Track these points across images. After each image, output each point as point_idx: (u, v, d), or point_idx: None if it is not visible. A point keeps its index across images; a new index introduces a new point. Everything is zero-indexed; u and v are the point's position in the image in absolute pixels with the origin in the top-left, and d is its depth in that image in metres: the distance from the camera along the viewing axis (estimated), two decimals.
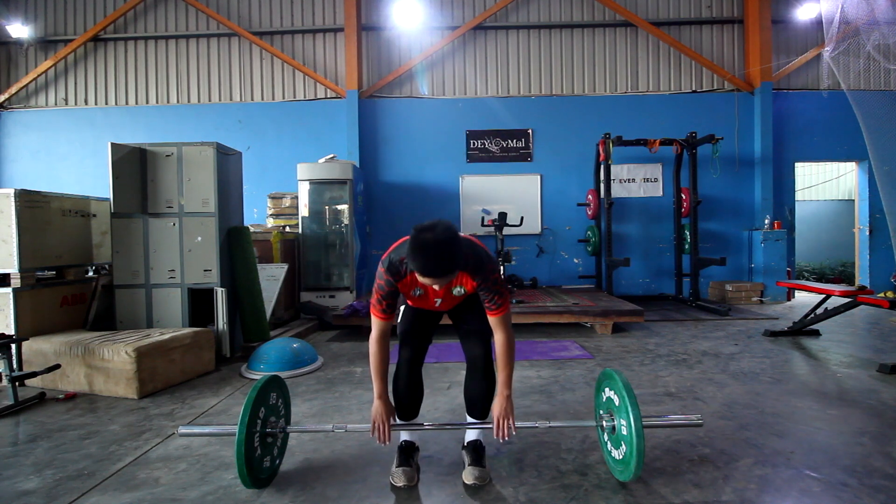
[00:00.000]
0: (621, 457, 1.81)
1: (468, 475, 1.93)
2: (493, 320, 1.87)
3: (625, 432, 1.74)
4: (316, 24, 7.48)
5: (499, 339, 1.87)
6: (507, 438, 1.84)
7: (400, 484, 1.90)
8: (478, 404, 2.02)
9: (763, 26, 7.12)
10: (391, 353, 1.95)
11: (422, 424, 2.03)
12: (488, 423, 1.90)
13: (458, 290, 1.88)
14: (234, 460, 1.73)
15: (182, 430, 1.97)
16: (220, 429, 1.98)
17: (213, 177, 3.88)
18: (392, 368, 1.97)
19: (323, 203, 6.15)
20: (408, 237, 1.70)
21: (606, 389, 1.92)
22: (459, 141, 7.30)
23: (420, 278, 1.67)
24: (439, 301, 1.93)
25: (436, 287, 1.75)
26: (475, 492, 1.89)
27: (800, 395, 2.94)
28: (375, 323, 1.88)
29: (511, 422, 1.84)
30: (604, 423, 1.87)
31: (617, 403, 1.81)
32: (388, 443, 1.90)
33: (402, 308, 2.08)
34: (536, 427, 1.94)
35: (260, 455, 1.85)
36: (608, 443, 1.92)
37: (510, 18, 7.46)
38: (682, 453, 2.19)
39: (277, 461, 2.01)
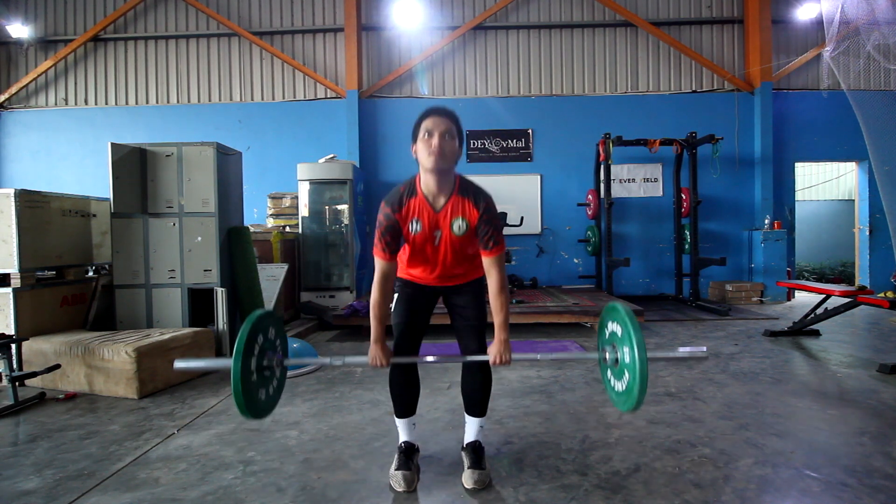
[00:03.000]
0: (624, 387, 1.75)
1: (468, 478, 1.92)
2: (488, 261, 1.86)
3: (627, 360, 1.68)
4: (316, 24, 7.49)
5: (493, 280, 1.86)
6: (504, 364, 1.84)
7: (400, 489, 1.89)
8: (476, 400, 2.01)
9: (763, 26, 7.12)
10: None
11: (423, 357, 1.94)
12: (485, 357, 1.87)
13: (458, 226, 1.83)
14: (232, 391, 1.68)
15: (178, 363, 1.91)
16: (216, 361, 1.94)
17: (213, 177, 3.88)
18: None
19: (323, 203, 6.15)
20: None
21: (609, 323, 1.86)
22: None
23: (425, 122, 1.77)
24: (438, 237, 1.85)
25: (436, 137, 1.75)
26: (475, 492, 1.89)
27: (800, 395, 2.94)
28: (377, 264, 1.87)
29: (507, 357, 1.83)
30: (606, 356, 1.81)
31: (620, 334, 1.76)
32: (386, 367, 1.89)
33: (393, 303, 2.03)
34: (537, 359, 1.92)
35: (257, 385, 1.79)
36: (611, 379, 1.85)
37: (510, 18, 7.46)
38: (682, 453, 2.19)
39: (275, 395, 1.93)
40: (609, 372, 1.84)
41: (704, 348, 1.88)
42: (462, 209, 1.83)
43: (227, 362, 1.70)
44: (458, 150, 1.83)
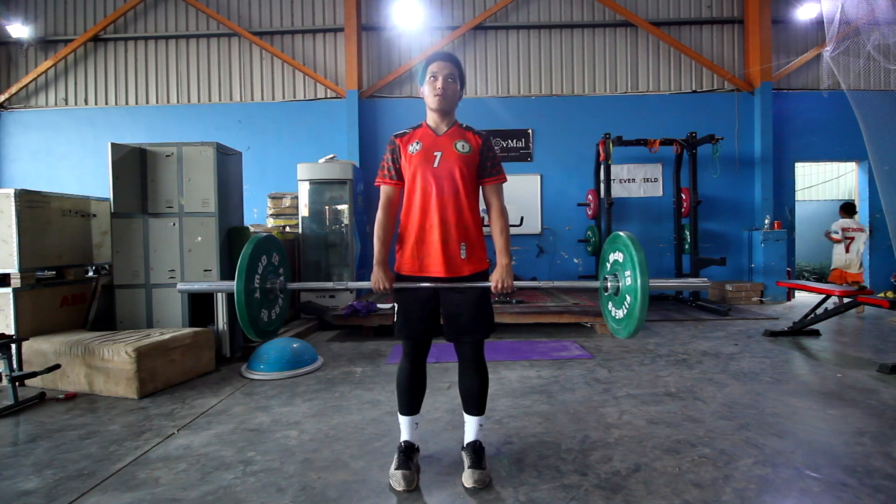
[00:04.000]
0: (624, 314, 1.76)
1: (468, 478, 1.92)
2: (489, 188, 1.98)
3: (629, 282, 1.70)
4: (316, 24, 7.49)
5: (494, 206, 1.98)
6: (507, 292, 1.89)
7: (400, 489, 1.89)
8: (474, 399, 2.00)
9: (763, 26, 7.12)
10: (394, 351, 1.93)
11: (420, 284, 1.90)
12: (487, 284, 1.90)
13: (461, 145, 1.93)
14: (236, 309, 1.72)
15: (180, 286, 1.96)
16: (219, 284, 1.99)
17: (213, 177, 3.88)
18: (391, 368, 1.95)
19: (323, 203, 6.15)
20: None
21: (612, 254, 1.87)
22: None
23: (431, 66, 1.90)
24: (438, 158, 1.90)
25: (440, 80, 1.87)
26: (475, 492, 1.89)
27: (800, 395, 2.94)
28: (382, 191, 2.00)
29: (509, 283, 1.88)
30: (608, 285, 1.85)
31: (622, 260, 1.77)
32: (389, 290, 1.92)
33: (395, 305, 1.99)
34: (538, 286, 1.96)
35: (260, 306, 1.82)
36: (611, 308, 1.86)
37: (510, 18, 7.46)
38: (682, 453, 2.19)
39: (279, 318, 1.98)
40: (610, 303, 1.87)
41: (705, 279, 1.97)
42: (464, 135, 1.97)
43: (230, 284, 1.77)
44: (460, 91, 1.98)
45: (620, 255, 1.78)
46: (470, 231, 1.92)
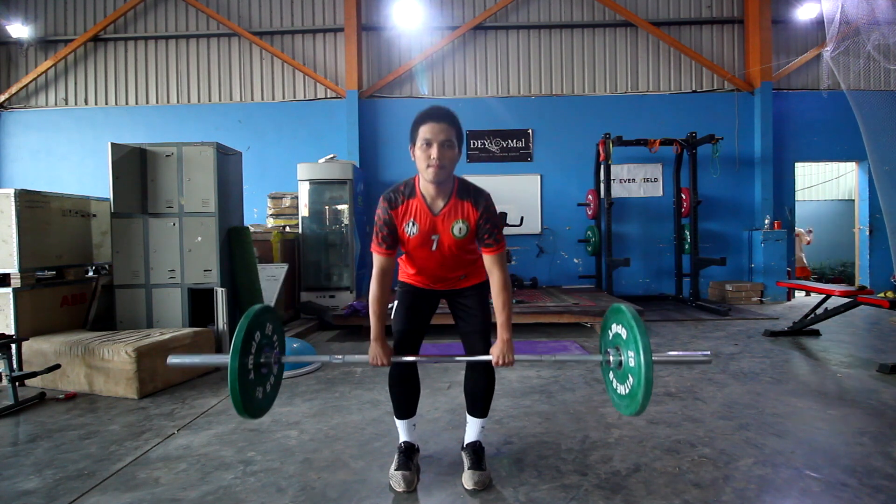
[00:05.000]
0: (627, 391, 1.71)
1: (468, 479, 1.92)
2: (489, 259, 1.86)
3: (632, 364, 1.65)
4: (316, 24, 7.49)
5: (495, 279, 1.86)
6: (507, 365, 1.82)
7: (400, 489, 1.89)
8: (479, 401, 2.00)
9: (763, 26, 7.12)
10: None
11: (420, 357, 1.91)
12: (488, 357, 1.84)
13: (458, 229, 1.81)
14: (228, 389, 1.63)
15: (171, 359, 1.84)
16: (213, 357, 1.87)
17: (213, 177, 3.88)
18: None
19: (323, 203, 6.15)
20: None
21: (614, 325, 1.81)
22: None
23: (423, 129, 1.73)
24: (435, 241, 1.84)
25: (435, 148, 1.70)
26: (475, 492, 1.89)
27: (800, 395, 2.94)
28: (375, 259, 1.86)
29: (510, 358, 1.79)
30: (610, 358, 1.77)
31: (625, 337, 1.72)
32: (387, 365, 1.87)
33: (393, 304, 2.02)
34: (541, 360, 1.90)
35: (254, 383, 1.73)
36: (613, 381, 1.82)
37: (510, 18, 7.46)
38: (682, 453, 2.19)
39: (273, 393, 1.90)
40: (612, 374, 1.81)
41: (707, 352, 1.86)
42: (462, 211, 1.82)
43: (223, 359, 1.65)
44: (458, 154, 1.81)
45: (623, 330, 1.72)
46: (470, 268, 1.99)
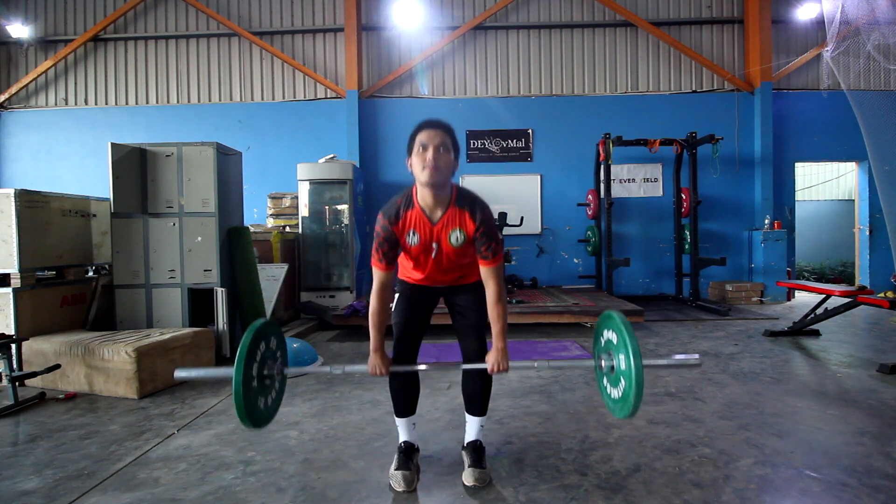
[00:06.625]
0: (620, 394, 1.76)
1: (468, 477, 1.93)
2: (486, 271, 1.87)
3: (623, 367, 1.70)
4: (316, 24, 7.49)
5: (491, 290, 1.87)
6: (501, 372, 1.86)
7: (400, 489, 1.89)
8: (476, 400, 2.01)
9: (763, 26, 7.12)
10: (391, 353, 1.94)
11: (421, 366, 1.94)
12: (483, 365, 1.87)
13: (455, 238, 1.84)
14: (233, 400, 1.68)
15: (178, 373, 1.90)
16: (218, 371, 1.92)
17: (213, 177, 3.88)
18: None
19: (323, 203, 6.15)
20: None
21: (605, 332, 1.87)
22: (460, 141, 7.28)
23: (419, 136, 1.76)
24: (435, 249, 1.86)
25: (430, 151, 1.73)
26: (475, 492, 1.89)
27: (800, 395, 2.94)
28: (375, 274, 1.88)
29: (505, 366, 1.84)
30: (602, 363, 1.83)
31: (615, 342, 1.77)
32: (386, 376, 1.89)
33: (394, 303, 2.04)
34: (534, 367, 1.94)
35: (257, 393, 1.78)
36: (607, 386, 1.86)
37: (510, 18, 7.46)
38: (682, 453, 2.19)
39: (276, 403, 1.94)
40: (605, 379, 1.85)
41: (697, 356, 1.89)
42: (459, 221, 1.83)
43: (228, 371, 1.70)
44: (454, 162, 1.82)
45: (614, 335, 1.79)
46: (466, 270, 1.99)
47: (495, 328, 1.87)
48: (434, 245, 1.86)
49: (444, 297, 2.07)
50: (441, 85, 7.46)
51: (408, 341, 1.99)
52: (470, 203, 1.84)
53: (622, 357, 1.70)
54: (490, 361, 1.85)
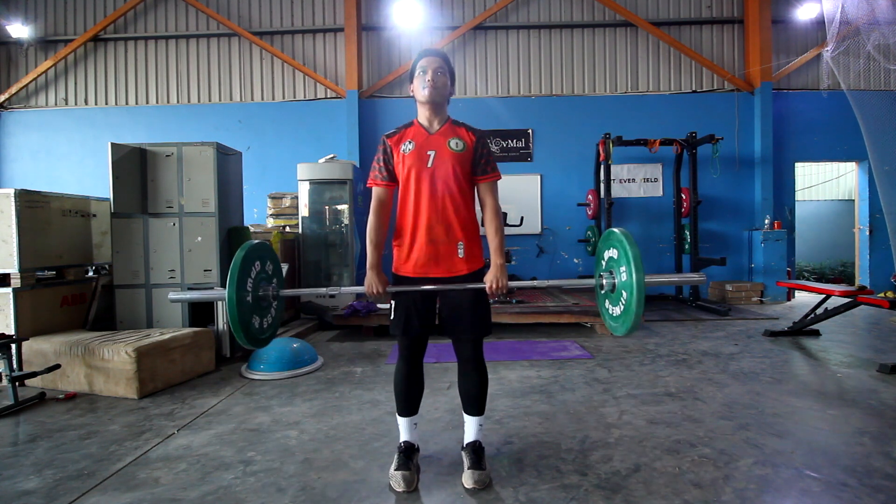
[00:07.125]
0: (621, 310, 1.74)
1: (468, 479, 1.92)
2: (484, 186, 1.97)
3: (625, 278, 1.69)
4: (316, 24, 7.49)
5: (489, 205, 1.97)
6: (499, 296, 1.88)
7: (400, 489, 1.89)
8: (473, 399, 2.00)
9: (763, 26, 7.12)
10: (393, 351, 1.94)
11: (415, 287, 1.88)
12: (482, 284, 1.86)
13: (455, 143, 1.91)
14: (227, 315, 1.72)
15: (172, 295, 1.94)
16: (210, 293, 1.95)
17: (213, 177, 3.88)
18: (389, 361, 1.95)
19: (323, 203, 6.15)
20: None
21: (607, 251, 1.86)
22: None
23: (420, 62, 1.90)
24: (432, 157, 1.88)
25: (430, 72, 1.87)
26: (475, 492, 1.89)
27: (800, 395, 2.94)
28: (374, 193, 1.97)
29: (503, 283, 1.85)
30: (604, 282, 1.83)
31: (617, 256, 1.76)
32: (382, 294, 1.88)
33: (392, 303, 1.96)
34: (534, 285, 1.95)
35: (251, 311, 1.82)
36: (608, 305, 1.85)
37: (510, 18, 7.46)
38: (682, 453, 2.19)
39: (273, 324, 1.97)
40: (606, 301, 1.87)
41: (702, 273, 1.94)
42: (457, 132, 1.95)
43: (221, 292, 1.76)
44: (450, 87, 1.97)
45: (615, 251, 1.77)
46: (467, 229, 1.92)
47: (493, 243, 1.92)
48: (430, 153, 1.90)
49: (439, 296, 1.95)
50: None
51: (413, 351, 1.98)
52: (464, 124, 2.00)
53: (623, 269, 1.71)
54: (488, 279, 1.86)
